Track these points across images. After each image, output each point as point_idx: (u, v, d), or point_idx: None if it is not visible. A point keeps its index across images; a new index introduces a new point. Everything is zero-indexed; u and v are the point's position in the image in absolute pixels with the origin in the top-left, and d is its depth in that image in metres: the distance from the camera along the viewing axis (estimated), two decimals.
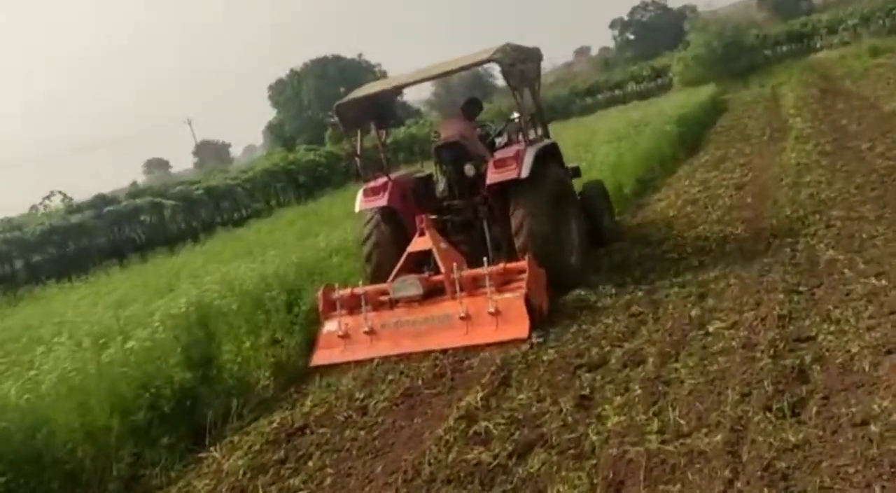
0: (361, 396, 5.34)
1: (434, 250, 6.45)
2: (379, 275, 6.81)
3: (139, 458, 4.84)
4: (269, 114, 53.79)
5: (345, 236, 10.17)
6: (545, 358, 5.19)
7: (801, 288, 5.34)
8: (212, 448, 4.95)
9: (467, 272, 6.25)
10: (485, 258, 6.26)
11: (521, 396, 4.63)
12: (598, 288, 6.61)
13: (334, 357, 6.23)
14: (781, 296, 5.18)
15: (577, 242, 7.24)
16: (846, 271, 5.44)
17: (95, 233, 18.42)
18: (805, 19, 46.13)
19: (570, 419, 4.14)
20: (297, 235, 12.31)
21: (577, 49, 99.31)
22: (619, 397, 4.27)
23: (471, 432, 4.23)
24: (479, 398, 4.65)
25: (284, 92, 52.20)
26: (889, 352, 3.95)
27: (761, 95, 26.85)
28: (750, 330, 4.78)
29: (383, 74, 51.35)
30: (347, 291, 6.49)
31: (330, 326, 6.42)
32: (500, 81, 61.04)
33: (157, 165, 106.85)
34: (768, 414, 3.59)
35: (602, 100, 44.82)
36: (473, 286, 6.16)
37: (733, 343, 4.65)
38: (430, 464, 3.96)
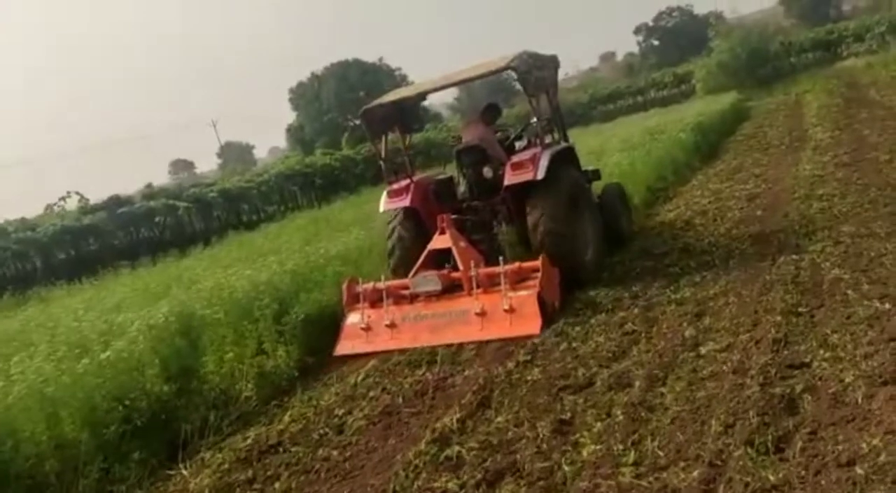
0: (341, 412, 5.20)
1: (453, 248, 6.77)
2: (400, 271, 7.19)
3: (108, 473, 4.73)
4: (291, 116, 54.15)
5: (348, 243, 10.05)
6: (529, 378, 5.01)
7: (800, 309, 5.09)
8: (182, 465, 4.81)
9: (484, 270, 6.50)
10: (500, 257, 6.51)
11: (499, 418, 4.44)
12: (596, 303, 6.44)
13: (357, 348, 6.55)
14: (779, 318, 4.94)
15: (593, 242, 7.45)
16: (850, 291, 5.18)
17: (108, 234, 18.49)
18: (831, 27, 45.26)
19: (545, 446, 3.94)
20: (303, 240, 12.17)
21: (603, 54, 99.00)
22: (599, 424, 4.07)
23: (442, 457, 4.06)
24: (455, 420, 4.47)
25: (305, 95, 52.33)
26: (885, 383, 3.71)
27: (785, 102, 26.32)
28: (743, 353, 4.55)
29: (403, 79, 51.35)
30: (370, 285, 6.84)
31: (353, 318, 6.76)
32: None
33: (182, 167, 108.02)
34: (750, 449, 3.37)
35: (623, 106, 44.33)
36: (489, 284, 6.43)
37: (724, 368, 4.42)
38: (395, 491, 3.79)
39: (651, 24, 70.68)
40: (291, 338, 6.59)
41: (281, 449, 4.78)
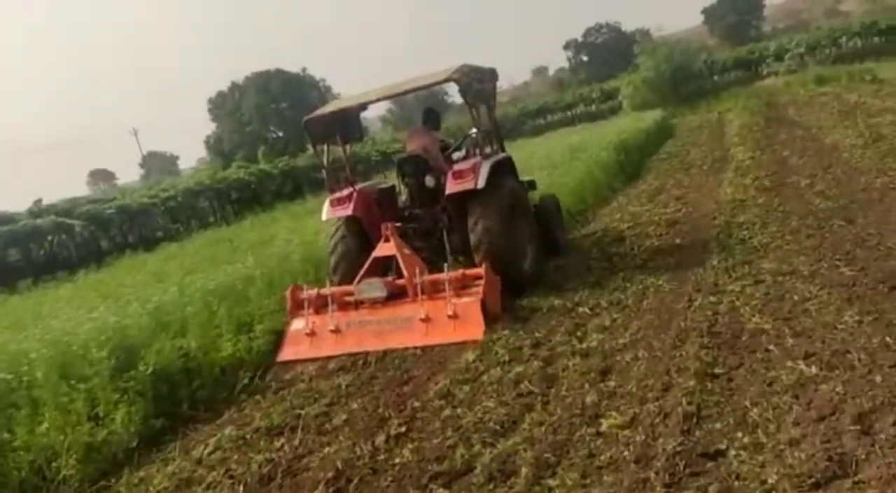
0: None
1: (398, 256, 6.87)
2: (343, 278, 7.24)
3: None
4: (210, 127, 51.86)
5: (236, 272, 9.01)
6: (398, 460, 4.12)
7: (717, 370, 4.36)
8: None
9: (428, 277, 6.60)
10: (444, 264, 6.68)
11: None
12: (493, 353, 5.62)
13: (301, 353, 6.57)
14: (693, 382, 4.19)
15: (532, 250, 7.61)
16: (772, 347, 4.50)
17: None
18: (752, 46, 46.45)
19: None
20: (190, 266, 11.04)
21: (535, 68, 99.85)
22: None
23: None
24: None
25: (224, 105, 50.20)
26: (816, 485, 2.98)
27: (708, 120, 26.44)
28: (649, 433, 3.77)
29: (328, 90, 50.11)
30: (314, 291, 6.89)
31: (297, 324, 6.81)
32: (455, 99, 60.56)
33: (102, 177, 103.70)
34: None
35: (552, 121, 44.35)
36: (434, 290, 6.53)
37: (626, 453, 3.63)
38: None
39: (580, 39, 71.61)
40: (135, 397, 5.55)
41: None
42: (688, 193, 11.51)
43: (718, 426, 3.69)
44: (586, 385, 4.62)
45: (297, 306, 6.88)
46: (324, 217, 7.79)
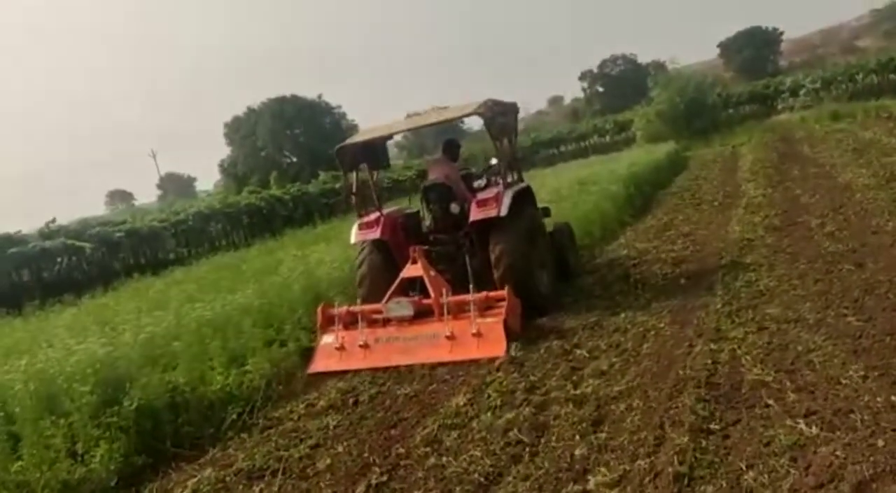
0: None
1: (425, 277, 7.24)
2: (369, 298, 7.52)
3: None
4: (226, 152, 52.17)
5: (234, 301, 8.92)
6: None
7: (713, 426, 4.18)
8: None
9: (454, 298, 7.03)
10: (470, 286, 7.05)
11: None
12: (486, 396, 5.46)
13: (331, 366, 6.94)
14: (686, 438, 4.01)
15: (548, 274, 8.06)
16: (772, 402, 4.31)
17: None
18: (768, 80, 46.31)
19: None
20: (191, 294, 10.96)
21: (551, 98, 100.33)
22: None
23: None
24: None
25: (240, 130, 50.50)
26: None
27: (721, 154, 26.25)
28: None
29: (342, 116, 50.32)
30: (345, 308, 7.26)
31: (327, 339, 7.17)
32: (470, 126, 60.90)
33: (119, 197, 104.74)
34: None
35: (565, 151, 44.32)
36: (459, 310, 6.95)
37: None
38: None
39: (596, 70, 71.88)
40: (118, 433, 5.42)
41: None
42: (696, 230, 11.34)
43: (711, 489, 3.50)
44: (577, 436, 4.44)
45: (328, 322, 7.25)
46: (352, 240, 8.11)
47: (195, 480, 4.92)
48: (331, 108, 50.85)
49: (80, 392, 5.41)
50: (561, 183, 16.88)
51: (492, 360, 6.30)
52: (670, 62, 39.56)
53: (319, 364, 7.01)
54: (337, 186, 26.80)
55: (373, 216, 7.99)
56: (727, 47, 76.34)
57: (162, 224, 21.38)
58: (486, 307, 6.91)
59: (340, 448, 5.03)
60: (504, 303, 6.85)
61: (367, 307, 7.29)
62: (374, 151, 8.63)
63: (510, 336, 6.56)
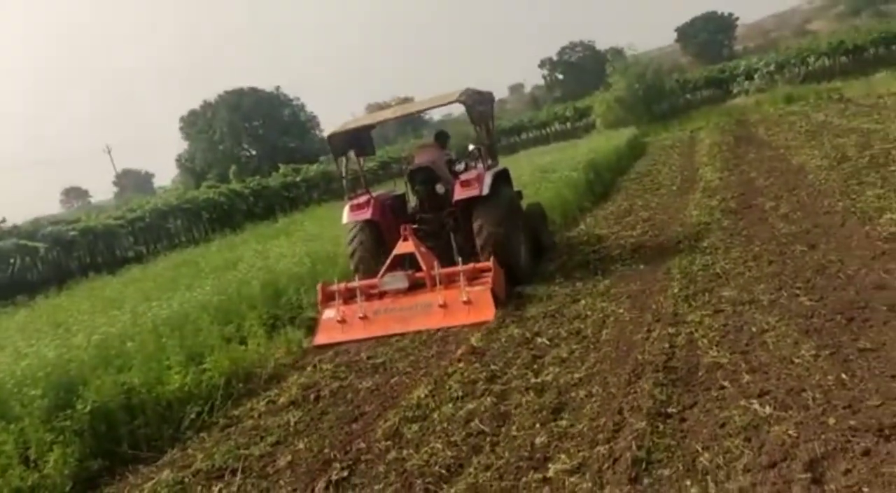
0: None
1: (416, 253, 7.86)
2: (363, 274, 8.17)
3: None
4: (183, 146, 50.95)
5: (192, 299, 8.78)
6: None
7: (670, 409, 4.21)
8: None
9: (445, 270, 7.66)
10: (458, 259, 7.77)
11: None
12: (446, 387, 5.44)
13: (334, 337, 7.46)
14: (644, 423, 4.03)
15: (525, 249, 8.64)
16: (727, 384, 4.36)
17: None
18: (724, 65, 46.95)
19: None
20: (148, 292, 10.75)
21: (512, 85, 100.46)
22: None
23: None
24: None
25: (196, 123, 49.49)
26: None
27: (680, 139, 26.60)
28: (596, 480, 3.60)
29: (301, 108, 49.51)
30: (343, 284, 7.83)
31: (329, 313, 7.73)
32: (431, 117, 60.83)
33: (75, 195, 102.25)
34: None
35: (527, 139, 44.46)
36: (449, 281, 7.57)
37: None
38: None
39: (555, 57, 72.14)
40: (72, 437, 5.29)
41: None
42: (655, 215, 11.46)
43: (667, 472, 3.53)
44: (537, 425, 4.45)
45: (328, 298, 7.80)
46: (344, 220, 8.60)
47: (152, 482, 4.83)
48: (289, 99, 50.09)
49: (30, 396, 5.27)
50: (522, 171, 16.89)
51: (454, 350, 6.30)
52: (628, 48, 39.73)
53: (323, 336, 7.52)
54: (299, 179, 26.43)
55: (363, 198, 8.56)
56: (684, 32, 77.27)
57: (117, 222, 20.89)
58: (473, 277, 7.53)
59: (301, 445, 4.97)
60: (490, 273, 7.47)
61: (364, 282, 7.85)
62: (361, 139, 9.20)
63: (497, 302, 7.19)
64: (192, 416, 5.96)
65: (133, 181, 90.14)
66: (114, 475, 5.25)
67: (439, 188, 8.70)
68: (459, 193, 8.10)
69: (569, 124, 44.86)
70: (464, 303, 7.23)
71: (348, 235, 8.66)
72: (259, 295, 8.72)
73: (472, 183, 8.04)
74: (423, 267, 7.69)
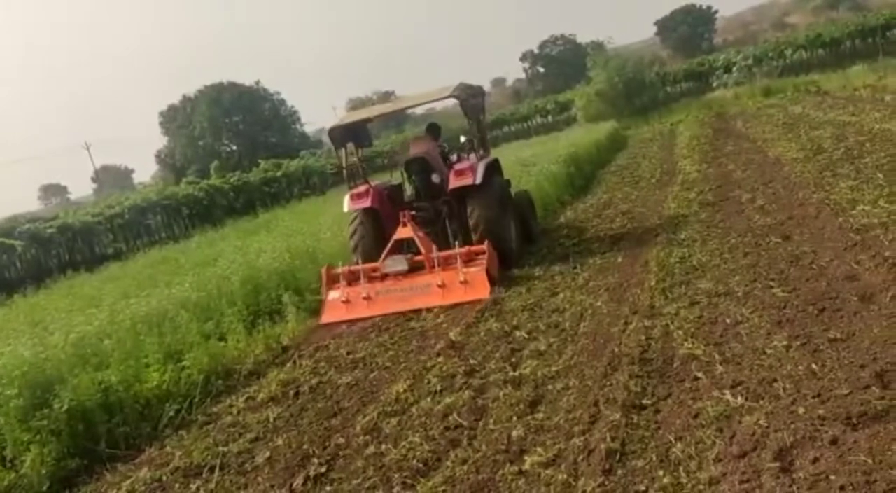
0: None
1: (415, 237, 8.36)
2: (364, 259, 8.55)
3: None
4: (163, 142, 50.37)
5: (172, 296, 8.74)
6: None
7: (645, 401, 4.27)
8: None
9: (443, 252, 8.18)
10: (456, 242, 8.25)
11: None
12: (425, 382, 5.47)
13: (339, 316, 7.91)
14: (619, 414, 4.08)
15: (515, 234, 9.13)
16: (701, 375, 4.42)
17: None
18: (703, 58, 47.24)
19: None
20: (127, 289, 10.68)
21: (493, 79, 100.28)
22: None
23: None
24: None
25: (176, 119, 48.97)
26: None
27: (660, 132, 26.75)
28: (571, 471, 3.64)
29: (282, 103, 49.16)
30: (346, 268, 8.34)
31: (334, 294, 8.18)
32: (414, 113, 60.59)
33: (53, 192, 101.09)
34: None
35: (508, 133, 44.50)
36: (447, 263, 8.06)
37: None
38: None
39: (536, 51, 72.21)
40: (49, 436, 5.26)
41: None
42: (634, 208, 11.54)
43: (641, 463, 3.58)
44: (514, 418, 4.48)
45: (332, 280, 8.27)
46: (345, 209, 8.99)
47: (130, 480, 4.82)
48: (269, 94, 49.70)
49: (6, 396, 5.23)
50: (504, 164, 16.93)
51: (434, 344, 6.33)
52: (608, 42, 39.91)
53: (329, 316, 7.98)
54: (279, 174, 26.30)
55: (362, 188, 8.97)
56: (664, 25, 77.54)
57: (96, 219, 20.68)
58: (469, 259, 8.01)
59: (280, 441, 4.97)
60: (485, 255, 7.96)
61: (366, 266, 8.32)
62: (358, 132, 9.61)
63: (492, 282, 7.68)
64: (171, 414, 5.95)
65: (112, 177, 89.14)
66: (92, 473, 5.22)
67: (435, 178, 9.09)
68: (454, 182, 8.56)
69: (550, 118, 44.97)
70: (461, 283, 7.69)
71: (350, 223, 9.03)
72: (239, 291, 8.69)
73: (465, 172, 8.51)
74: (422, 250, 8.14)
